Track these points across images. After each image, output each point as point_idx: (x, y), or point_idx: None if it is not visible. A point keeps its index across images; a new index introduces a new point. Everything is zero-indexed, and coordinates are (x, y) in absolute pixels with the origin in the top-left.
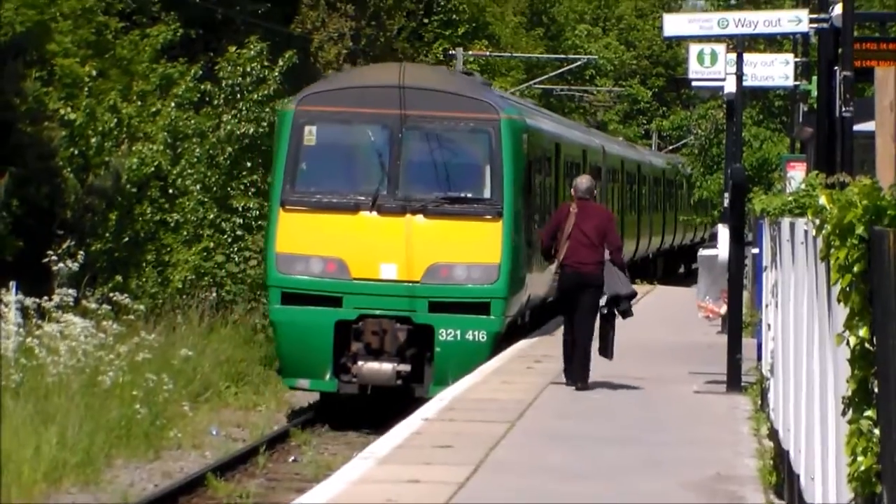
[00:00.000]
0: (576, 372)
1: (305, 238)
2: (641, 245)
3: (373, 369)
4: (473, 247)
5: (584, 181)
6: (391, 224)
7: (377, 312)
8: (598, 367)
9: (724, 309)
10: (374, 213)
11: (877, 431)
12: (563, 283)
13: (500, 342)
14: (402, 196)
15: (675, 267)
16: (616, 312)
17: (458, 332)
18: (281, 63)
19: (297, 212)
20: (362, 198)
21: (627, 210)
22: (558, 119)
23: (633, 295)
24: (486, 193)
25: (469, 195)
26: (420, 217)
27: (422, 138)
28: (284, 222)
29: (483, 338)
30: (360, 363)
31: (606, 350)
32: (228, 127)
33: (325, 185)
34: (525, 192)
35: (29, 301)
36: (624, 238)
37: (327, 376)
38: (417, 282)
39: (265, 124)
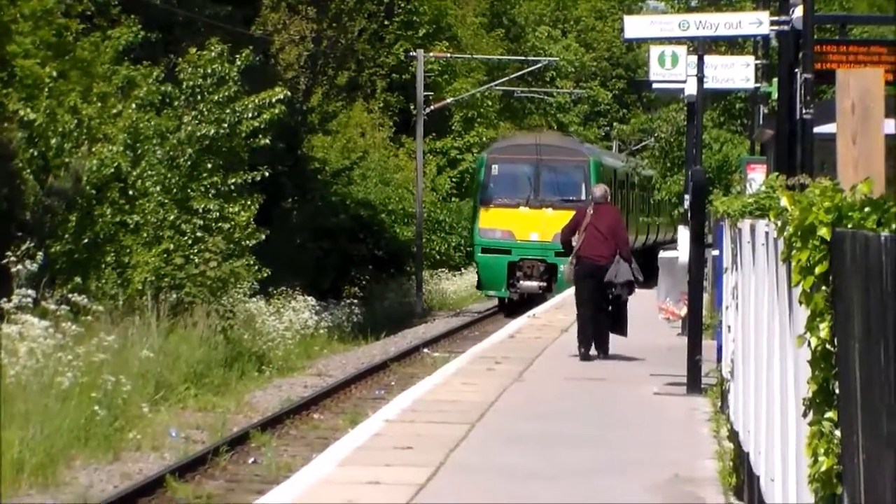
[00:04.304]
0: (598, 345)
1: (493, 220)
2: (660, 234)
3: (527, 285)
4: None
5: (598, 189)
6: (535, 213)
7: (529, 257)
8: (561, 369)
9: (684, 311)
10: (527, 208)
11: (837, 433)
12: (579, 272)
13: None
14: (540, 199)
15: None
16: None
17: None
18: (238, 62)
19: (489, 208)
20: (521, 200)
21: (653, 212)
22: (615, 156)
23: (631, 283)
24: (582, 197)
25: (573, 198)
26: (550, 209)
27: (549, 171)
28: (483, 213)
29: None
30: (521, 282)
31: (622, 328)
32: (189, 128)
33: (502, 194)
34: None
35: None
36: (649, 228)
37: (503, 289)
38: (549, 242)
39: (225, 125)
